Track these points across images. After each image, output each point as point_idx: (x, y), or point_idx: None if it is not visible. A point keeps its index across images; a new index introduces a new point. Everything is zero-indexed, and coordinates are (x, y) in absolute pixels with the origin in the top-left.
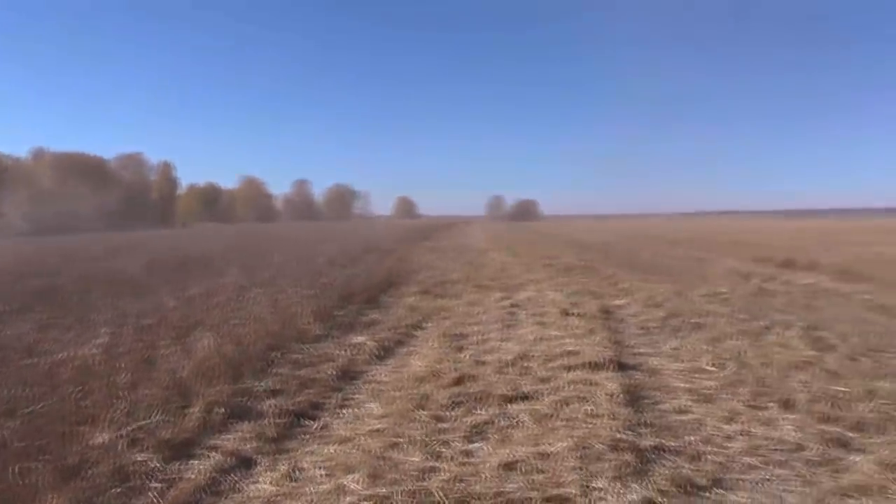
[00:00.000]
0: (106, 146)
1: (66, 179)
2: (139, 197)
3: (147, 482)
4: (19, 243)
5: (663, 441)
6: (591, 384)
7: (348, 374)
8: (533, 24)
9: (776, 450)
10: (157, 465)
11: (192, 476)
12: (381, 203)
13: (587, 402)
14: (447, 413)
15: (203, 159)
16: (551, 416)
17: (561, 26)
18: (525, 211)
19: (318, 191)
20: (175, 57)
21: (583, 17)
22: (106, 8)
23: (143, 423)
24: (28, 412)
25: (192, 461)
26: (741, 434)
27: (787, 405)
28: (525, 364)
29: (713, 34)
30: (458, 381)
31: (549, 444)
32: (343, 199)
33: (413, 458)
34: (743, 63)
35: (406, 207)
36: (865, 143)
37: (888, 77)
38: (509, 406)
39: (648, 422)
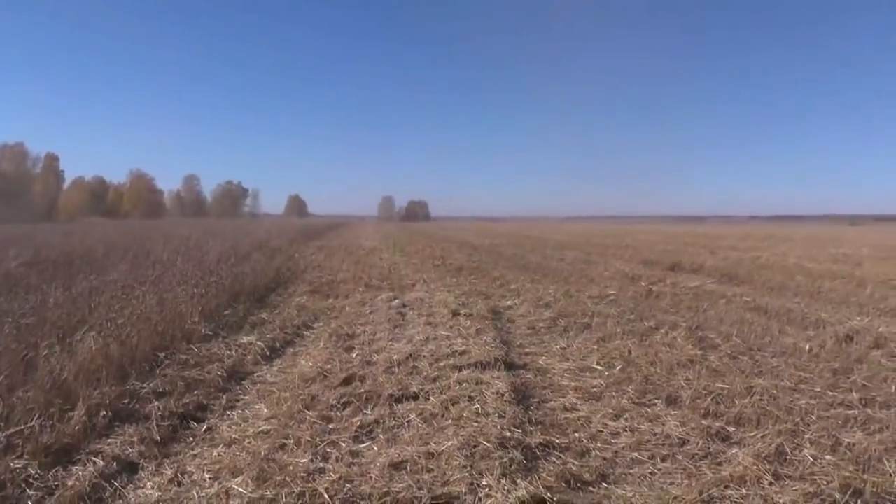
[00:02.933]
0: None
1: None
2: (20, 189)
3: (24, 490)
4: None
5: (551, 438)
6: (479, 383)
7: (236, 375)
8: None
9: (661, 444)
10: (35, 472)
11: (73, 483)
12: (271, 201)
13: (475, 401)
14: (335, 413)
15: (92, 153)
16: (440, 415)
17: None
18: (416, 212)
19: (208, 187)
20: (65, 48)
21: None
22: None
23: (21, 427)
24: None
25: (73, 467)
26: (627, 430)
27: (672, 402)
28: (414, 364)
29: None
30: (347, 381)
31: (438, 443)
32: (233, 196)
33: (301, 460)
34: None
35: (297, 206)
36: (746, 155)
37: (770, 87)
38: (398, 406)
39: (536, 420)
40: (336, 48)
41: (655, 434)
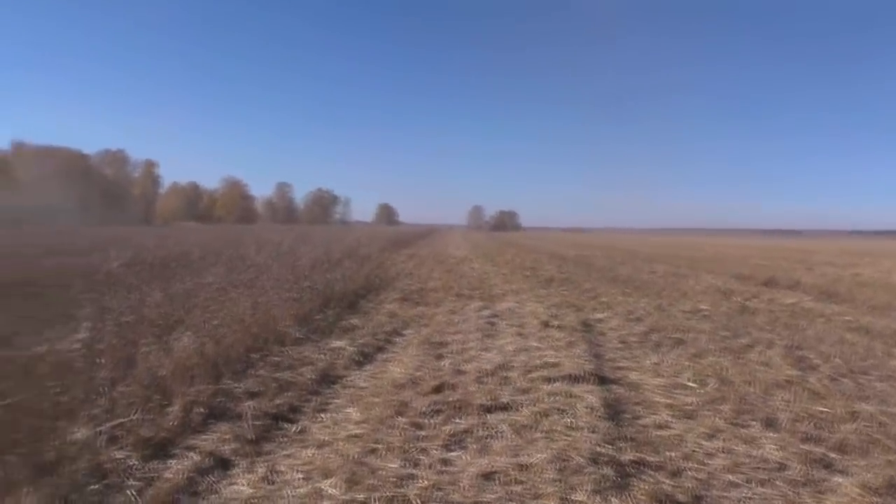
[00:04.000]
0: (89, 142)
1: (47, 173)
2: (120, 194)
3: (125, 480)
4: None
5: (643, 456)
6: (570, 396)
7: (327, 379)
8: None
9: (758, 468)
10: (136, 463)
11: (170, 476)
12: (361, 209)
13: (567, 414)
14: (426, 420)
15: (187, 159)
16: (531, 427)
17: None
18: (505, 222)
19: (300, 194)
20: (163, 57)
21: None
22: (87, 5)
23: (123, 420)
24: (4, 405)
25: (170, 461)
26: (723, 451)
27: (769, 424)
28: (504, 374)
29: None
30: (438, 389)
31: (529, 455)
32: (323, 203)
33: (391, 465)
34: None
35: (386, 214)
36: (843, 169)
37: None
38: (488, 416)
39: (628, 436)
40: (428, 59)
41: (752, 457)
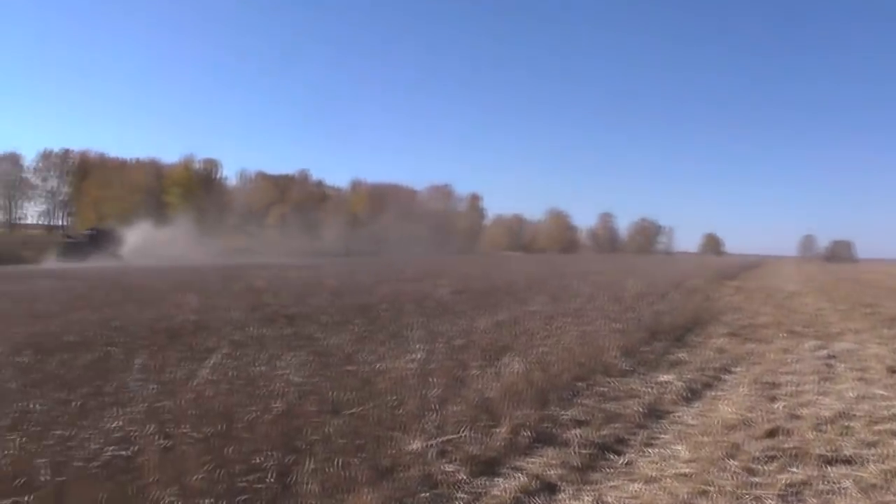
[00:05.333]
0: (418, 178)
1: (380, 208)
2: (446, 226)
3: (454, 492)
4: (336, 265)
5: None
6: None
7: (654, 413)
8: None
9: None
10: (464, 477)
11: (497, 493)
12: (685, 238)
13: None
14: (759, 467)
15: (509, 191)
16: (880, 487)
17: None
18: (839, 252)
19: (622, 224)
20: (484, 93)
21: None
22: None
23: (452, 436)
24: (349, 414)
25: (497, 479)
26: None
27: None
28: (846, 423)
29: None
30: (771, 434)
31: None
32: (647, 233)
33: None
34: None
35: (712, 244)
36: None
37: None
38: (829, 469)
39: None
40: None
41: None
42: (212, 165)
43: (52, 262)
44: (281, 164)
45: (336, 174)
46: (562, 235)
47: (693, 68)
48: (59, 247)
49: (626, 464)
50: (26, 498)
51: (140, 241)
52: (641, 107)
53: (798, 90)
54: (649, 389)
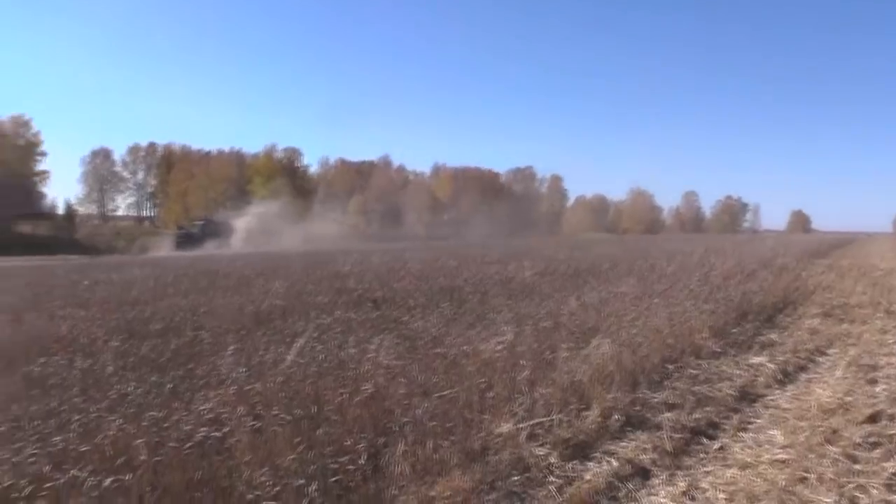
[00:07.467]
0: (500, 160)
1: (461, 191)
2: (528, 208)
3: (545, 476)
4: (420, 248)
5: None
6: None
7: (747, 396)
8: None
9: None
10: (555, 461)
11: (590, 478)
12: (771, 216)
13: None
14: (861, 454)
15: (591, 171)
16: None
17: None
18: None
19: (707, 203)
20: (564, 73)
21: None
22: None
23: (542, 419)
24: (438, 396)
25: (588, 463)
26: None
27: None
28: None
29: None
30: (873, 419)
31: None
32: (732, 211)
33: (825, 499)
34: None
35: (799, 222)
36: None
37: None
38: None
39: None
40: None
41: None
42: (294, 154)
43: (167, 252)
44: (362, 151)
45: (418, 159)
46: (645, 215)
47: (779, 42)
48: (172, 237)
49: (720, 449)
50: (127, 476)
51: (246, 229)
52: (724, 82)
53: (891, 62)
54: (741, 372)
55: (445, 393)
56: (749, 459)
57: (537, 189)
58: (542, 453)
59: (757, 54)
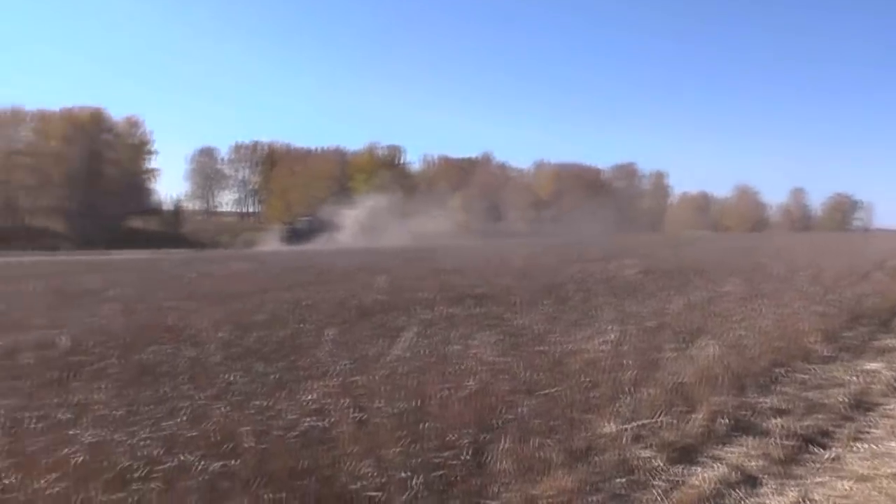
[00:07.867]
0: (603, 157)
1: (563, 188)
2: (630, 205)
3: (650, 479)
4: (520, 246)
5: None
6: None
7: (861, 404)
8: None
9: None
10: (661, 464)
11: (696, 482)
12: (885, 214)
13: None
14: None
15: (695, 168)
16: None
17: None
18: None
19: (815, 200)
20: (667, 69)
21: None
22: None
23: (647, 421)
24: (542, 394)
25: (694, 467)
26: None
27: None
28: None
29: None
30: None
31: None
32: (843, 209)
33: None
34: None
35: None
36: None
37: None
38: None
39: None
40: None
41: None
42: (395, 151)
43: (274, 246)
44: (464, 148)
45: (520, 156)
46: (750, 213)
47: (887, 29)
48: (279, 232)
49: (833, 459)
50: (233, 462)
51: (357, 223)
52: (833, 75)
53: None
54: (854, 378)
55: (549, 391)
56: (865, 472)
57: (639, 186)
58: (646, 455)
59: (877, 45)
